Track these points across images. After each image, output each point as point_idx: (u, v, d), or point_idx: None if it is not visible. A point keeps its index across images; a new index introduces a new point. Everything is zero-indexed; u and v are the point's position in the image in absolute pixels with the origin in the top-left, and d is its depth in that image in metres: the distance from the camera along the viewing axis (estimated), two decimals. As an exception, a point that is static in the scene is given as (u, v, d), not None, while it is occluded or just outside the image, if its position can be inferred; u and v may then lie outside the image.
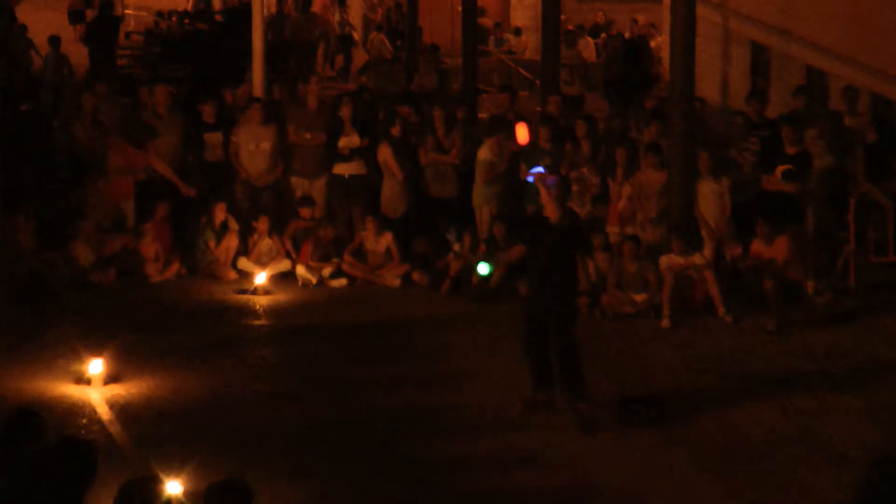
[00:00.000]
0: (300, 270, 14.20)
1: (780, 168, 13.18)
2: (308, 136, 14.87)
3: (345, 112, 14.90)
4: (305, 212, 14.53)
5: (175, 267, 14.29)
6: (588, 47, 25.53)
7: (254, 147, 14.81)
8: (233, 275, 14.26)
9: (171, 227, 14.53)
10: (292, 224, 14.53)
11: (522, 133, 10.85)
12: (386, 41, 26.42)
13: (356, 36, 27.12)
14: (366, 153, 14.80)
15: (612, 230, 13.90)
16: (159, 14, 23.56)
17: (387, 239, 14.35)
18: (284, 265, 14.35)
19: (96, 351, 10.75)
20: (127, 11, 27.35)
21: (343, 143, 14.82)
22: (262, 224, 14.40)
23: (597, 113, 17.53)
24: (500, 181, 14.49)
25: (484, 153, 14.47)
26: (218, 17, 20.27)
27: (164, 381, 10.72)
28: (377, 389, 10.63)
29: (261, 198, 14.88)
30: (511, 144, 14.52)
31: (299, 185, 15.00)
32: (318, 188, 14.99)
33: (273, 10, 22.16)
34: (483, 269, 10.90)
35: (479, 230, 14.35)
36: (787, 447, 9.52)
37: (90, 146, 14.76)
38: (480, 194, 14.50)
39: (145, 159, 14.56)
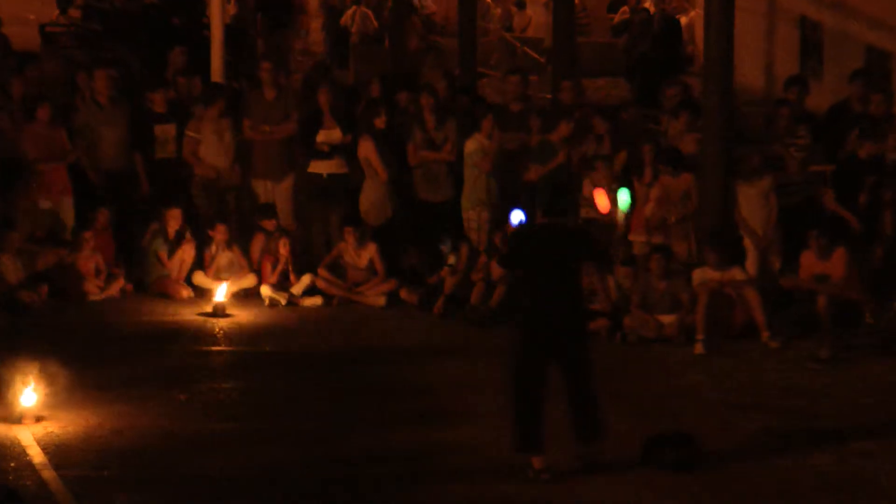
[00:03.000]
0: (264, 290, 14.29)
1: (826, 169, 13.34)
2: (266, 129, 14.96)
3: (323, 100, 15.00)
4: (268, 223, 14.61)
5: (119, 283, 14.38)
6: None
7: (217, 140, 14.93)
8: (187, 292, 14.35)
9: (113, 237, 14.63)
10: (257, 240, 14.60)
11: (602, 202, 10.77)
12: (370, 15, 26.48)
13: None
14: (349, 150, 14.90)
15: (638, 239, 14.00)
16: (99, -17, 23.56)
17: (369, 251, 14.43)
18: (248, 281, 14.44)
19: (26, 383, 10.79)
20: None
21: (322, 137, 14.91)
22: (221, 233, 14.48)
23: (614, 100, 17.60)
24: (493, 176, 14.55)
25: (471, 146, 14.57)
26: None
27: (106, 417, 10.77)
28: (357, 429, 10.69)
29: (225, 201, 14.99)
30: (505, 137, 14.59)
31: (261, 188, 15.10)
32: (282, 191, 15.08)
33: None
34: (624, 197, 10.18)
35: (471, 238, 14.42)
36: (840, 495, 9.59)
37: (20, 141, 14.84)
38: (470, 195, 14.58)
39: (63, 141, 14.63)
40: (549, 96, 18.08)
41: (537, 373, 9.72)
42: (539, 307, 9.72)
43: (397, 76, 17.45)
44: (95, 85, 15.17)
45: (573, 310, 9.88)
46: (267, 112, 15.10)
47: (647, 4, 24.10)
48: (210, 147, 14.92)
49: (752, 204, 13.59)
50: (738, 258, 13.43)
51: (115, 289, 14.34)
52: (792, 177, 13.95)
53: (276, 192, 15.10)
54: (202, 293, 14.28)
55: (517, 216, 10.10)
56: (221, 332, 13.36)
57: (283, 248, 14.44)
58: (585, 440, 9.87)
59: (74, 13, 21.46)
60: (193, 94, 15.73)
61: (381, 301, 14.29)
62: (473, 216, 14.51)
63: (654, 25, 21.64)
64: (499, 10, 28.23)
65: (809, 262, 12.97)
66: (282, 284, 14.39)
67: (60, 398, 10.95)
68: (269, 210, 14.75)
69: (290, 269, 14.41)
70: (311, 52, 25.74)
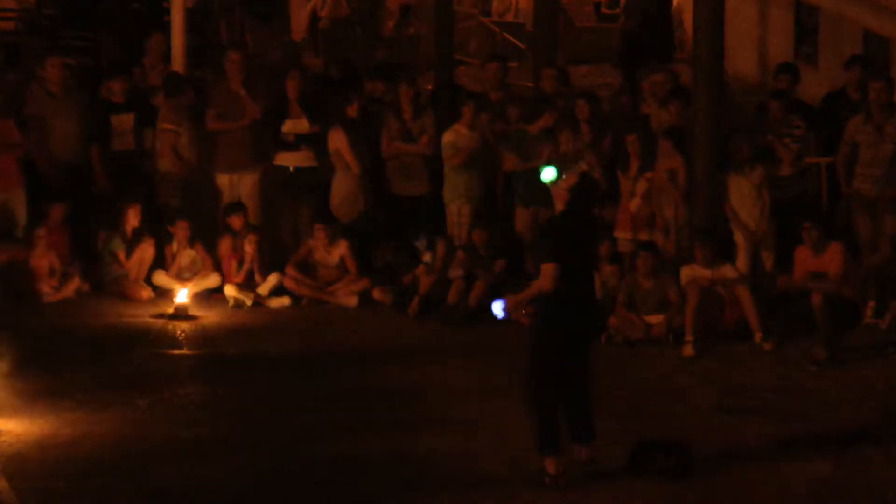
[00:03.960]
0: (229, 290, 14.27)
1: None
2: (242, 92, 14.84)
3: (291, 88, 14.97)
4: (235, 221, 14.58)
5: (74, 283, 14.33)
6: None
7: (194, 133, 14.89)
8: (147, 293, 14.32)
9: (69, 234, 14.58)
10: (225, 239, 14.56)
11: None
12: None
13: None
14: (316, 141, 14.89)
15: (623, 236, 14.02)
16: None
17: (340, 248, 14.42)
18: (212, 281, 14.42)
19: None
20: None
21: (288, 127, 14.89)
22: (182, 230, 14.45)
23: (601, 89, 17.63)
24: (474, 168, 14.56)
25: (451, 136, 14.57)
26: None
27: (62, 426, 10.74)
28: (328, 437, 10.68)
29: (196, 197, 14.93)
30: (488, 124, 14.58)
31: (225, 182, 15.04)
32: (248, 186, 15.04)
33: None
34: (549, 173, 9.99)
35: (451, 233, 14.43)
36: (840, 502, 9.62)
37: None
38: (451, 187, 14.59)
39: (13, 132, 14.54)
40: (530, 84, 18.08)
41: (561, 372, 9.73)
42: (570, 303, 9.69)
43: (370, 63, 17.41)
44: (48, 73, 15.09)
45: (595, 306, 10.12)
46: (232, 103, 15.05)
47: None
48: (186, 140, 14.88)
49: (744, 197, 13.62)
50: (728, 255, 13.46)
51: (70, 289, 14.29)
52: (783, 169, 13.96)
53: (242, 186, 15.06)
54: (163, 294, 14.25)
55: (498, 307, 10.09)
56: (184, 334, 13.34)
57: (249, 246, 14.41)
58: (588, 442, 9.90)
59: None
60: (151, 82, 15.67)
61: (353, 301, 14.28)
62: (455, 210, 14.51)
63: (647, 9, 21.63)
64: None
65: (804, 257, 13.00)
66: (248, 284, 14.36)
67: (13, 406, 10.92)
68: (237, 207, 14.71)
69: (257, 267, 14.39)
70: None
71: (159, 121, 14.91)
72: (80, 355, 12.56)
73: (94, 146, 15.01)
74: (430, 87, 16.88)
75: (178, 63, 16.15)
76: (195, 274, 14.42)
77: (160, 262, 14.53)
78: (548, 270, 9.61)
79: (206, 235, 14.73)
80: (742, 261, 13.53)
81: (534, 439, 9.76)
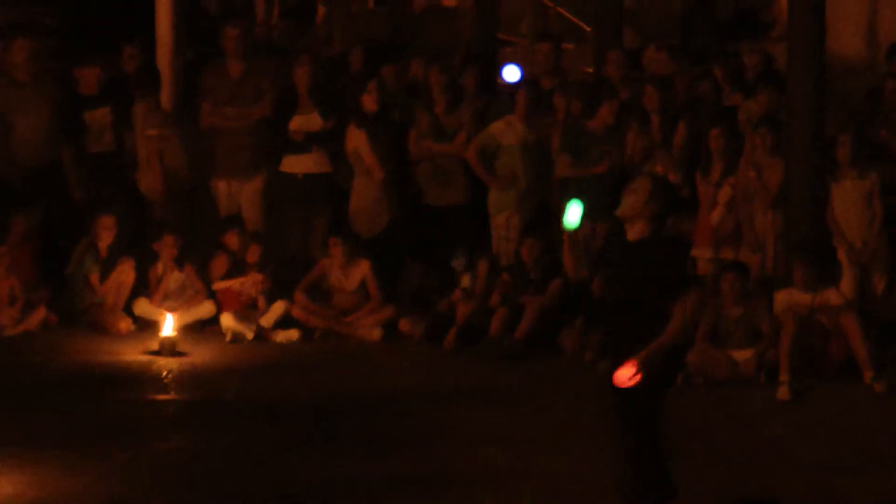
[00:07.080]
0: (226, 321, 14.25)
1: None
2: (232, 112, 14.91)
3: (300, 77, 14.99)
4: (232, 239, 14.58)
5: (40, 313, 14.37)
6: None
7: (184, 132, 14.93)
8: (126, 325, 14.34)
9: (34, 254, 14.60)
10: (219, 259, 14.55)
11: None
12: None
13: None
14: (331, 140, 14.87)
15: (704, 254, 13.94)
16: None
17: (361, 269, 14.42)
18: (205, 310, 14.45)
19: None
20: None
21: (297, 123, 14.90)
22: (168, 247, 14.46)
23: (676, 74, 17.55)
24: (527, 173, 14.50)
25: (499, 125, 14.54)
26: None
27: (27, 484, 10.70)
28: (344, 496, 10.64)
29: (187, 208, 14.95)
30: (542, 118, 14.55)
31: (223, 190, 15.04)
32: (250, 193, 15.03)
33: None
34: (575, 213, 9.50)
35: (497, 248, 14.39)
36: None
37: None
38: (498, 194, 14.57)
39: None
40: (590, 70, 18.06)
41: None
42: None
43: (390, 45, 17.41)
44: (14, 58, 15.11)
45: None
46: (232, 93, 15.07)
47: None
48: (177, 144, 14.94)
49: (850, 206, 13.57)
50: (833, 277, 13.36)
51: (34, 321, 14.33)
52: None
53: (243, 194, 15.08)
54: (145, 325, 14.26)
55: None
56: (170, 375, 13.33)
57: (252, 257, 14.39)
58: None
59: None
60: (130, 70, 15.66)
61: (376, 334, 14.27)
62: (502, 222, 14.47)
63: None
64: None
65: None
66: (248, 314, 14.33)
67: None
68: (234, 222, 14.70)
69: (259, 292, 14.37)
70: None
71: (140, 124, 14.88)
72: (47, 400, 12.53)
73: (66, 147, 15.01)
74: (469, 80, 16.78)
75: (164, 44, 16.05)
76: (184, 301, 14.42)
77: (142, 287, 14.52)
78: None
79: (199, 254, 14.72)
80: (848, 284, 13.42)
81: (643, 497, 9.64)
